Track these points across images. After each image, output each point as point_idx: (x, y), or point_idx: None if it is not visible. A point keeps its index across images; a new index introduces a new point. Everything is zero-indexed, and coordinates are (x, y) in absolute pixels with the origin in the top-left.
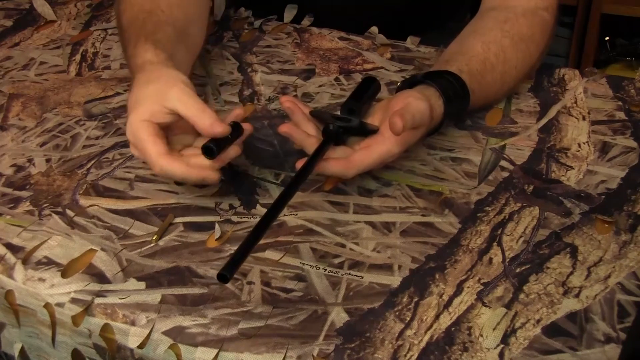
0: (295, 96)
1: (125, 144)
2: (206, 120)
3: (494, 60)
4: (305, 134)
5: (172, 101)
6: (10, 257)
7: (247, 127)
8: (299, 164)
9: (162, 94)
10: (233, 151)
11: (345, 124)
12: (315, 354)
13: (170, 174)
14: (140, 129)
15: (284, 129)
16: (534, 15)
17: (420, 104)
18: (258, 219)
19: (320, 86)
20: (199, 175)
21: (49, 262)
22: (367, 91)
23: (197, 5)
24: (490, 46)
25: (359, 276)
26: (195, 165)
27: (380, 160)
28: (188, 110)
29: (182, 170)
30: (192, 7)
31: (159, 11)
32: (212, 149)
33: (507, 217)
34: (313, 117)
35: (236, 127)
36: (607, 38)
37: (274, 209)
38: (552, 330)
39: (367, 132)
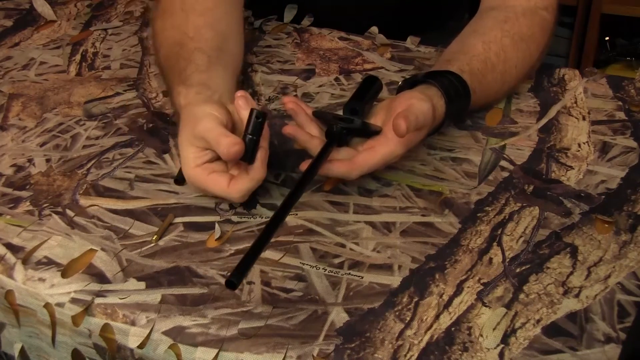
0: (296, 96)
1: (125, 144)
2: (222, 146)
3: (494, 59)
4: (308, 135)
5: (202, 141)
6: (10, 257)
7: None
8: (304, 166)
9: (191, 137)
10: (263, 148)
11: (348, 125)
12: (315, 354)
13: (206, 190)
14: (196, 179)
15: (288, 130)
16: (534, 14)
17: (423, 105)
18: (258, 219)
19: (320, 86)
20: (239, 189)
21: (49, 262)
22: (369, 91)
23: (229, 20)
24: (490, 46)
25: (359, 276)
26: (237, 180)
27: (384, 162)
28: (210, 141)
29: (220, 187)
30: (222, 23)
31: (187, 39)
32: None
33: (507, 217)
34: (316, 118)
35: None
36: (607, 38)
37: (281, 213)
38: (552, 330)
39: (370, 132)
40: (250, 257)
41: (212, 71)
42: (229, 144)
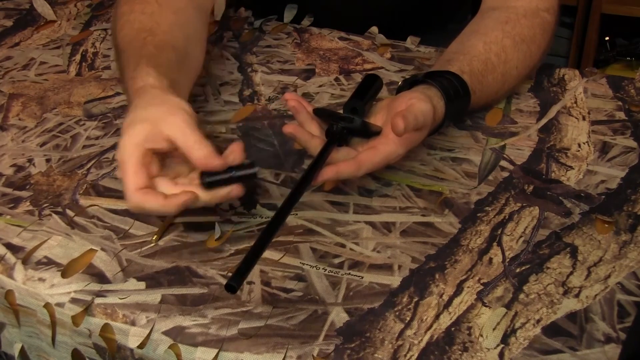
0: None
1: None
2: (201, 151)
3: (495, 60)
4: (309, 134)
5: (171, 128)
6: (10, 257)
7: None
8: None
9: (161, 119)
10: (234, 191)
11: (348, 125)
12: (315, 354)
13: (144, 209)
14: (126, 154)
15: (289, 129)
16: (535, 16)
17: (423, 105)
18: (258, 219)
19: (320, 86)
20: (177, 203)
21: (49, 262)
22: (370, 89)
23: (197, 26)
24: (491, 46)
25: (359, 276)
26: (173, 194)
27: (386, 161)
28: (185, 139)
29: (157, 204)
30: (191, 27)
31: (160, 31)
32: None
33: (507, 217)
34: (316, 116)
35: (244, 166)
36: (607, 38)
37: (281, 214)
38: (552, 330)
39: (370, 133)
40: (250, 260)
41: (178, 76)
42: (208, 155)
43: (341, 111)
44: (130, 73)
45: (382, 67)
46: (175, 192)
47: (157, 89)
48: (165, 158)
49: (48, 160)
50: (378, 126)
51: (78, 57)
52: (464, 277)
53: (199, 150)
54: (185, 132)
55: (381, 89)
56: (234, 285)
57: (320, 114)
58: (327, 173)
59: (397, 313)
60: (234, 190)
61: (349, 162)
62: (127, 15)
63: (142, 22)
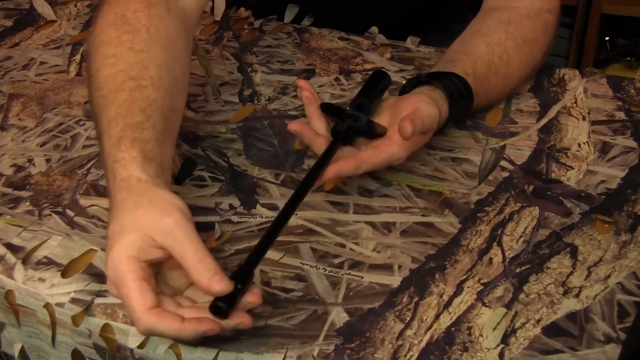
0: (295, 96)
1: None
2: (204, 275)
3: (497, 62)
4: (313, 133)
5: (164, 236)
6: (10, 257)
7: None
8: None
9: (153, 226)
10: (252, 297)
11: (354, 124)
12: (315, 354)
13: (159, 333)
14: (124, 269)
15: (294, 127)
16: (537, 17)
17: (430, 109)
18: (258, 219)
19: (320, 86)
20: (197, 330)
21: (49, 262)
22: (377, 86)
23: (183, 58)
24: (494, 48)
25: (359, 276)
26: (192, 319)
27: (388, 162)
28: (183, 252)
29: (173, 328)
30: (178, 65)
31: (146, 80)
32: (222, 308)
33: (507, 217)
34: (323, 111)
35: (243, 273)
36: (607, 38)
37: (287, 211)
38: (552, 330)
39: (375, 133)
40: (254, 258)
41: (165, 144)
42: (216, 280)
43: (347, 108)
44: (110, 145)
45: (382, 67)
46: (183, 314)
47: (143, 182)
48: (157, 267)
49: (48, 160)
50: (383, 127)
51: (78, 57)
52: (464, 277)
53: (201, 272)
54: (182, 242)
55: (389, 85)
56: (223, 307)
57: (327, 109)
58: (329, 173)
59: (397, 313)
60: (245, 321)
61: (349, 159)
62: (113, 48)
63: (129, 62)
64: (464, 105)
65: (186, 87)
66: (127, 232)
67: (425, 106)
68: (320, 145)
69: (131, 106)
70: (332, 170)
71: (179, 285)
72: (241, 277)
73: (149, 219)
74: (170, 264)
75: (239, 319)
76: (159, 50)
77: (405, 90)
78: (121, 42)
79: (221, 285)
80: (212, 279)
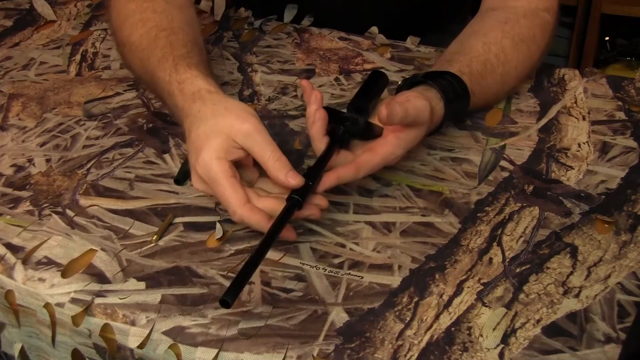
0: (295, 96)
1: (125, 144)
2: (281, 172)
3: (494, 61)
4: (321, 135)
5: (245, 138)
6: (10, 257)
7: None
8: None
9: (234, 130)
10: (319, 200)
11: (352, 126)
12: (315, 354)
13: (250, 224)
14: (217, 170)
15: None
16: (535, 16)
17: (418, 101)
18: None
19: (320, 86)
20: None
21: (49, 262)
22: (375, 87)
23: (196, 21)
24: (491, 47)
25: (359, 276)
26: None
27: (384, 162)
28: (262, 152)
29: (264, 223)
30: (195, 23)
31: (177, 29)
32: (298, 200)
33: (507, 217)
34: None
35: (314, 172)
36: (607, 38)
37: (282, 221)
38: (552, 330)
39: (373, 134)
40: (248, 270)
41: (210, 68)
42: (292, 175)
43: (344, 110)
44: (169, 74)
45: (382, 67)
46: (263, 202)
47: (213, 93)
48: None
49: (48, 160)
50: (381, 127)
51: (78, 57)
52: (464, 277)
53: (279, 169)
54: (261, 143)
55: (387, 85)
56: (227, 300)
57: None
58: (329, 180)
59: (397, 313)
60: (315, 212)
61: (347, 166)
62: (138, 14)
63: (156, 20)
64: (460, 105)
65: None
66: (213, 137)
67: (414, 99)
68: (317, 132)
69: (173, 45)
70: (332, 178)
71: (250, 179)
72: (312, 176)
73: (230, 124)
74: (245, 162)
75: (310, 211)
76: (176, 12)
77: (401, 90)
78: (143, 9)
79: (296, 179)
80: (288, 175)
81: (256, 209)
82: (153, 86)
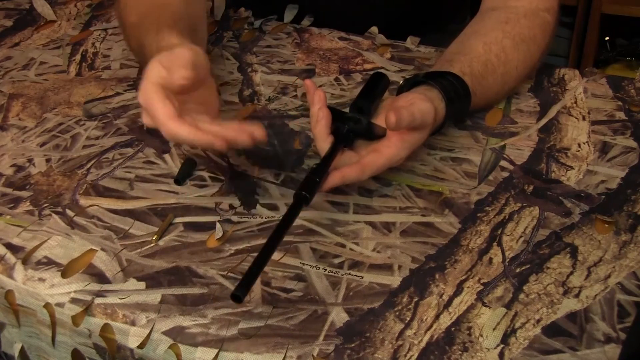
0: (295, 96)
1: (125, 144)
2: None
3: (495, 61)
4: (326, 134)
5: (186, 52)
6: (10, 257)
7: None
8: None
9: (178, 55)
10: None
11: (355, 126)
12: (315, 354)
13: (178, 137)
14: (150, 91)
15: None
16: (535, 16)
17: (423, 104)
18: (258, 219)
19: (320, 86)
20: (208, 141)
21: (49, 262)
22: (376, 88)
23: (201, 4)
24: (491, 47)
25: (359, 276)
26: (206, 130)
27: (389, 164)
28: (200, 57)
29: (190, 134)
30: (197, 5)
31: (173, 6)
32: (305, 197)
33: (507, 217)
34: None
35: (320, 169)
36: (607, 38)
37: (289, 219)
38: (552, 330)
39: (376, 135)
40: (257, 267)
41: (196, 42)
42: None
43: (346, 110)
44: (150, 38)
45: (382, 67)
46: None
47: (179, 44)
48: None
49: (48, 160)
50: (383, 128)
51: (78, 57)
52: (464, 277)
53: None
54: (199, 53)
55: (388, 86)
56: (239, 295)
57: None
58: (334, 180)
59: (397, 313)
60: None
61: (353, 166)
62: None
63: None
64: (461, 105)
65: (205, 24)
66: (152, 65)
67: (419, 101)
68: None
69: (162, 16)
70: (337, 177)
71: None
72: (318, 172)
73: (175, 52)
74: (190, 103)
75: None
76: None
77: (402, 90)
78: None
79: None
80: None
81: (185, 120)
82: (142, 58)
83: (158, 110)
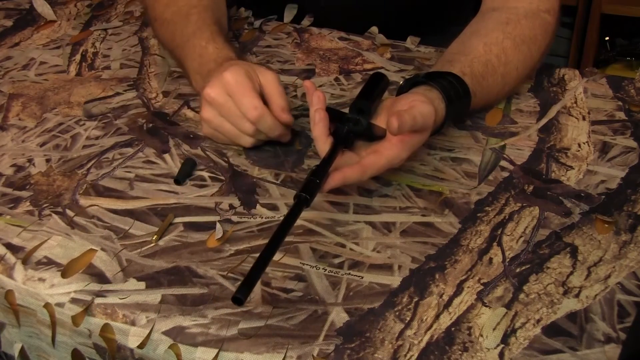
0: (295, 96)
1: (125, 144)
2: (281, 102)
3: (495, 62)
4: (325, 136)
5: (265, 78)
6: (10, 257)
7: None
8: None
9: (257, 70)
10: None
11: (354, 127)
12: (315, 354)
13: (264, 122)
14: (242, 77)
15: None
16: (535, 17)
17: (424, 107)
18: (258, 219)
19: (320, 86)
20: (281, 132)
21: (49, 262)
22: (376, 89)
23: (222, 3)
24: (492, 48)
25: (359, 276)
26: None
27: (389, 165)
28: (274, 89)
29: (275, 123)
30: (222, 6)
31: (208, 8)
32: (306, 198)
33: (507, 217)
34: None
35: (320, 171)
36: (607, 38)
37: (290, 219)
38: (552, 330)
39: (375, 136)
40: (258, 268)
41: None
42: (285, 107)
43: (346, 111)
44: (206, 41)
45: (382, 67)
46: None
47: (214, 42)
48: None
49: (48, 160)
50: (383, 129)
51: (78, 57)
52: (464, 277)
53: (280, 100)
54: (276, 84)
55: (388, 87)
56: (240, 297)
57: (329, 113)
58: (335, 180)
59: (397, 313)
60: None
61: (354, 167)
62: None
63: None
64: (461, 105)
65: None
66: (238, 65)
67: (420, 104)
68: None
69: (205, 21)
70: (338, 178)
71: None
72: (318, 174)
73: (253, 66)
74: None
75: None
76: None
77: (402, 90)
78: None
79: (287, 116)
80: (284, 109)
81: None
82: (181, 52)
83: (249, 96)
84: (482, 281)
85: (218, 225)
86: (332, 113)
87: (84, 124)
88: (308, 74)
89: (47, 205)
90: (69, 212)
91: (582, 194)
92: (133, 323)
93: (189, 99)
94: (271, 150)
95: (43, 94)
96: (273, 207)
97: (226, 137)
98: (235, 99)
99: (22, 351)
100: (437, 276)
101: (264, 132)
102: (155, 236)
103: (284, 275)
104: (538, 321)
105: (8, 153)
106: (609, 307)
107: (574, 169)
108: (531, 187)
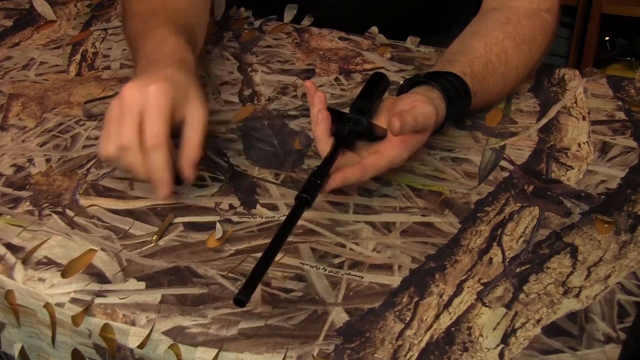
0: (295, 96)
1: None
2: (191, 155)
3: (495, 61)
4: (326, 136)
5: (191, 115)
6: (10, 257)
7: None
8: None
9: (188, 103)
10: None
11: (355, 127)
12: (315, 354)
13: (156, 156)
14: (164, 98)
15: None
16: (536, 16)
17: (425, 107)
18: (258, 219)
19: (320, 86)
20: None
21: (49, 262)
22: (377, 89)
23: (206, 9)
24: (492, 47)
25: (359, 276)
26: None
27: (390, 165)
28: (193, 135)
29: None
30: (201, 9)
31: (182, 11)
32: (307, 199)
33: (507, 217)
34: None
35: (321, 171)
36: (607, 38)
37: (291, 220)
38: (552, 330)
39: (376, 136)
40: (260, 270)
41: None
42: (193, 162)
43: (346, 111)
44: (168, 32)
45: (382, 67)
46: None
47: (191, 70)
48: None
49: (48, 160)
50: (384, 129)
51: (78, 57)
52: (464, 277)
53: (194, 149)
54: (198, 130)
55: (388, 87)
56: (242, 299)
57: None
58: (335, 181)
59: (397, 313)
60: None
61: (354, 167)
62: None
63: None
64: (462, 105)
65: (206, 29)
66: (171, 84)
67: (421, 105)
68: (323, 148)
69: (172, 19)
70: (339, 179)
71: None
72: (319, 175)
73: (188, 92)
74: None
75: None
76: None
77: (402, 90)
78: None
79: (189, 171)
80: (192, 163)
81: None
82: (139, 40)
83: (159, 120)
84: (482, 281)
85: (218, 225)
86: (333, 113)
87: (84, 124)
88: (308, 74)
89: (47, 205)
90: (69, 212)
91: (582, 194)
92: (133, 323)
93: None
94: (271, 150)
95: (43, 94)
96: (273, 207)
97: (107, 134)
98: (145, 115)
99: (22, 351)
100: (437, 276)
101: (144, 166)
102: (155, 236)
103: (284, 275)
104: (538, 321)
105: (8, 153)
106: (609, 307)
107: (574, 169)
108: (531, 187)
